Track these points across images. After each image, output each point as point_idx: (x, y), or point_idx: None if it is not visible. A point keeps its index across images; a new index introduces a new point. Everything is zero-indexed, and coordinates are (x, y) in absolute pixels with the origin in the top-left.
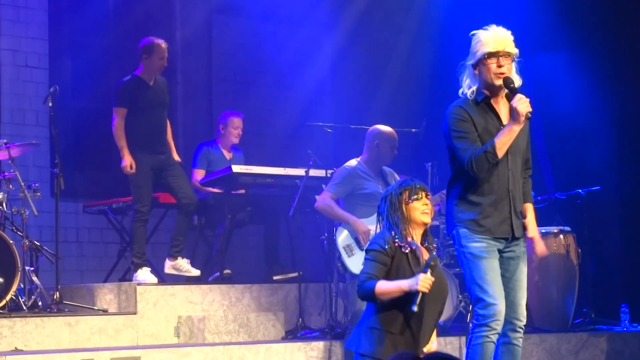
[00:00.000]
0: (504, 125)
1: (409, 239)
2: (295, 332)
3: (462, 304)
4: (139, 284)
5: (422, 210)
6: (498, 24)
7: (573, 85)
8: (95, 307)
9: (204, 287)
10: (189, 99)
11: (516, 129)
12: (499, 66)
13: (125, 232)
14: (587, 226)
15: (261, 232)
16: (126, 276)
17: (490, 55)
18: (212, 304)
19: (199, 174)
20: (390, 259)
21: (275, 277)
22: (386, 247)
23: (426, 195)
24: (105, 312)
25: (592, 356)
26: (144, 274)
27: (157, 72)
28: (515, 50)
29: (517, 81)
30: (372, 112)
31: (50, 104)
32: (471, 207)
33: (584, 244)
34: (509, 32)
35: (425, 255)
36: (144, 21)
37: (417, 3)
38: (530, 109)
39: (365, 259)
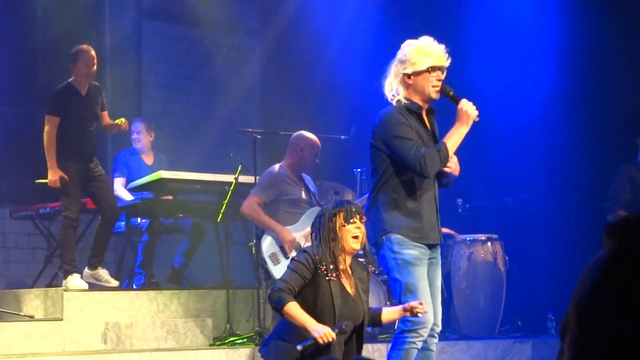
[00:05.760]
0: (428, 133)
1: (341, 267)
2: (223, 339)
3: None
4: (66, 290)
5: (353, 234)
6: (424, 33)
7: (502, 92)
8: (22, 313)
9: (132, 293)
10: (118, 105)
11: (464, 131)
12: (439, 80)
13: (52, 238)
14: (514, 234)
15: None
16: (53, 282)
17: (434, 69)
18: (139, 310)
19: (120, 182)
20: (311, 275)
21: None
22: (311, 263)
23: (360, 219)
24: (31, 318)
25: None
26: (74, 280)
27: (85, 80)
28: (447, 65)
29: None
30: (301, 118)
31: None
32: (405, 213)
33: (511, 252)
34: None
35: (350, 285)
36: (73, 26)
37: (345, 10)
38: (478, 113)
39: (288, 267)
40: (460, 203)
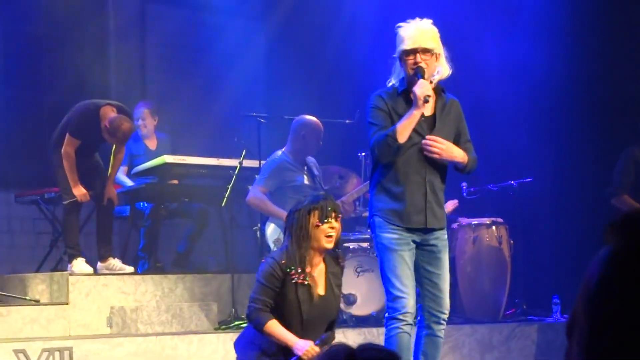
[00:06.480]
0: (424, 117)
1: (307, 269)
2: (228, 323)
3: None
4: (71, 274)
5: (327, 233)
6: (426, 17)
7: (508, 74)
8: (27, 297)
9: (137, 277)
10: (122, 89)
11: (416, 113)
12: (416, 63)
13: (57, 222)
14: (519, 218)
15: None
16: (58, 266)
17: (408, 52)
18: (144, 294)
19: (121, 170)
20: (280, 282)
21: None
22: (279, 271)
23: (336, 218)
24: (37, 302)
25: (523, 346)
26: (79, 265)
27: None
28: (432, 46)
29: (447, 71)
30: (305, 102)
31: None
32: (386, 196)
33: (516, 236)
34: (430, 26)
35: (319, 284)
36: (77, 9)
37: None
38: (430, 94)
39: (258, 280)
40: (465, 187)
